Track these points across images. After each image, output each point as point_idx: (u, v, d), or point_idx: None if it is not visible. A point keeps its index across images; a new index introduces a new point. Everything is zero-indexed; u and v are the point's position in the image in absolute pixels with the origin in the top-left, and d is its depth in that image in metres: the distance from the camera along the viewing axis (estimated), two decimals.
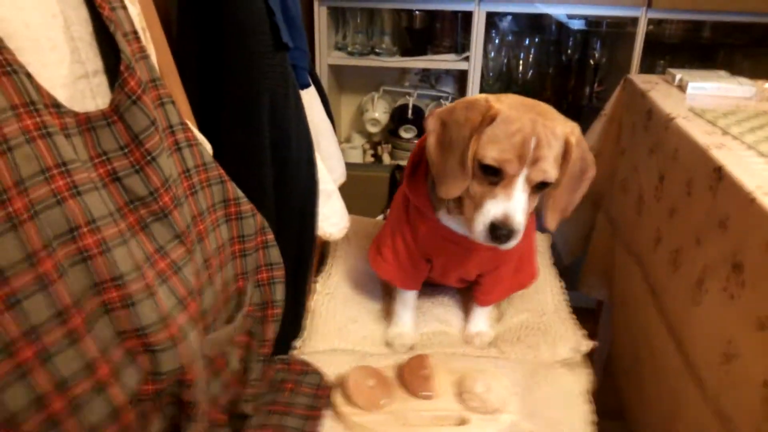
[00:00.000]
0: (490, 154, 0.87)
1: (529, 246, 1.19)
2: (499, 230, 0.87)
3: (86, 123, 0.65)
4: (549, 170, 0.88)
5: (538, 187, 0.91)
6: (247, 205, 0.89)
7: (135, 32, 0.72)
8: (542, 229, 1.58)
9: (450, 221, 1.04)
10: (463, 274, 1.14)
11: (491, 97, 0.91)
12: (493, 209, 0.88)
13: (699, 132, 1.10)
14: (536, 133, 0.86)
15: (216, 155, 0.88)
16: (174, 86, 0.87)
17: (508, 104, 0.90)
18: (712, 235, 0.95)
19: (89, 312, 0.61)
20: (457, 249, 1.05)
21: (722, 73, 1.52)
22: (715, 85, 1.39)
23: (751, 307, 0.80)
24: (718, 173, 0.95)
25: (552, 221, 0.97)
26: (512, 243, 0.89)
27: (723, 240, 0.91)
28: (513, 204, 0.88)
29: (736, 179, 0.90)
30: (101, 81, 0.69)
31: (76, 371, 0.59)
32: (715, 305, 0.90)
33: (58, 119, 0.61)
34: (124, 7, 0.71)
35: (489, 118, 0.88)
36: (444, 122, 0.94)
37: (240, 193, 0.88)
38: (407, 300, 1.17)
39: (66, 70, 0.64)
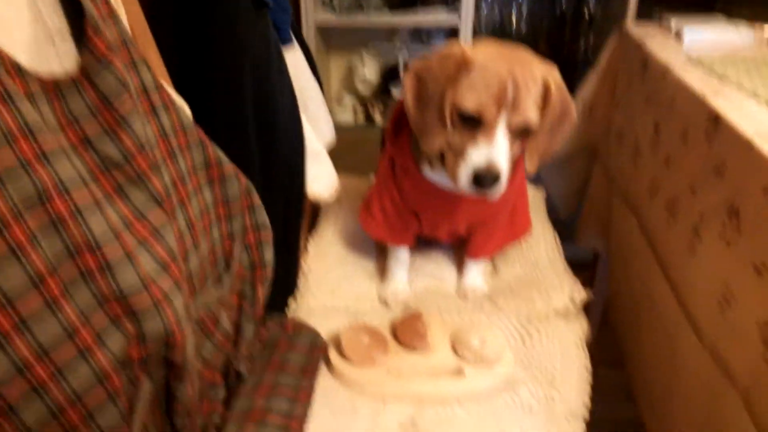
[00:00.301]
0: (468, 102, 0.86)
1: (522, 197, 1.17)
2: (483, 178, 0.87)
3: (54, 89, 0.63)
4: (529, 114, 0.87)
5: (520, 133, 0.89)
6: (230, 168, 0.87)
7: None
8: (536, 181, 1.57)
9: (434, 175, 1.03)
10: (452, 228, 1.12)
11: (466, 47, 0.89)
12: (475, 157, 0.87)
13: (696, 80, 1.08)
14: (514, 77, 0.85)
15: (196, 119, 0.86)
16: (148, 48, 0.84)
17: (483, 52, 0.88)
18: (708, 183, 0.94)
19: (66, 278, 0.60)
20: (443, 202, 1.04)
21: (720, 18, 1.48)
22: (712, 32, 1.36)
23: (747, 253, 0.80)
24: (715, 120, 0.94)
25: (531, 164, 0.96)
26: (497, 190, 0.88)
27: (719, 187, 0.90)
28: (495, 150, 0.87)
29: (733, 125, 0.88)
30: (68, 45, 0.66)
31: (56, 338, 0.58)
32: (712, 252, 0.90)
33: (21, 84, 0.58)
34: None
35: (464, 68, 0.87)
36: (420, 77, 0.92)
37: (222, 156, 0.86)
38: (400, 256, 1.16)
39: (28, 33, 0.62)
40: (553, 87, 0.89)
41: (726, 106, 0.94)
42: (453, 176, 0.91)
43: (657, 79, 1.21)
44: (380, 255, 1.24)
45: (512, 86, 0.85)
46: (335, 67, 2.27)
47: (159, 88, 0.78)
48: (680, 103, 1.09)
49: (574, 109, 0.95)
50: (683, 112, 1.07)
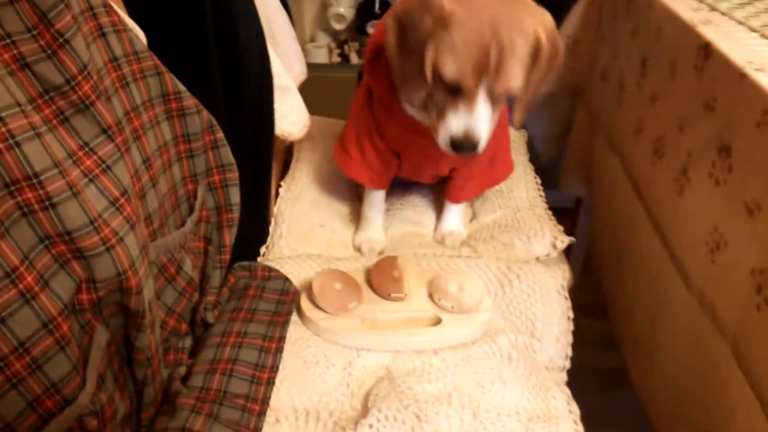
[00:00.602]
0: (447, 68, 0.81)
1: (504, 140, 1.12)
2: (460, 145, 0.85)
3: None
4: (513, 81, 0.82)
5: (503, 97, 0.85)
6: (190, 100, 0.81)
7: None
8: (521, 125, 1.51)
9: (416, 112, 0.97)
10: (435, 169, 1.07)
11: None
12: (454, 124, 0.84)
13: (685, 8, 1.03)
14: (498, 39, 0.78)
15: (152, 46, 0.79)
16: None
17: (465, 1, 0.80)
18: (696, 119, 0.90)
19: (3, 215, 0.54)
20: (426, 142, 0.98)
21: None
22: None
23: (738, 192, 0.76)
24: (705, 50, 0.89)
25: (517, 119, 0.93)
26: (475, 153, 0.87)
27: (709, 123, 0.86)
28: (474, 118, 0.83)
29: (725, 55, 0.84)
30: None
31: None
32: (700, 193, 0.86)
33: None
34: None
35: (443, 22, 0.80)
36: (401, 22, 0.85)
37: (181, 87, 0.80)
38: (375, 201, 1.10)
39: None
40: (544, 40, 0.82)
41: (717, 35, 0.90)
42: (434, 132, 0.88)
43: (644, 9, 1.15)
44: (356, 200, 1.19)
45: (496, 50, 0.78)
46: (309, 3, 2.17)
47: (108, 8, 0.70)
48: (668, 33, 1.04)
49: (562, 50, 0.89)
50: (671, 44, 1.02)
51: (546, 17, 0.85)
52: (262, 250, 1.08)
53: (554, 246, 1.02)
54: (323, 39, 2.10)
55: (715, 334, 0.79)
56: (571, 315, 0.92)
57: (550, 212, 1.13)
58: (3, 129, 0.53)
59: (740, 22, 0.97)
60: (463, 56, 0.79)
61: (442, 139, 0.86)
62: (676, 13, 1.01)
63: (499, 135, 1.07)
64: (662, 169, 0.99)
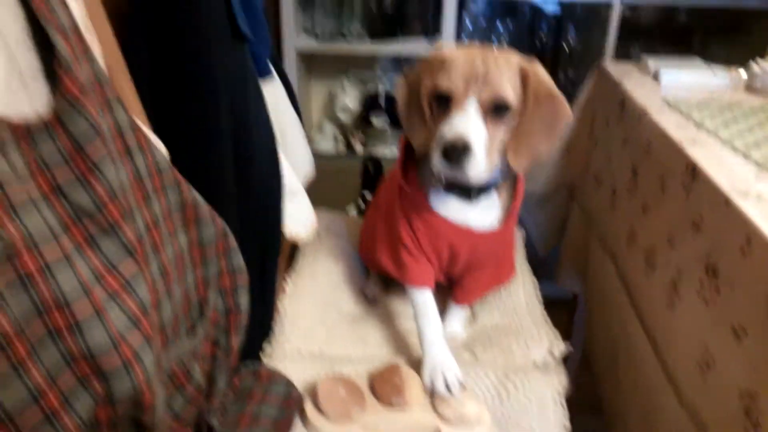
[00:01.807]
0: (439, 84, 0.90)
1: (510, 245, 1.17)
2: (452, 150, 0.87)
3: (25, 133, 0.60)
4: (500, 89, 0.89)
5: (497, 111, 0.90)
6: (205, 210, 0.85)
7: (77, 31, 0.67)
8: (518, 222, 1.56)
9: (441, 207, 1.03)
10: (451, 268, 1.11)
11: (446, 49, 0.94)
12: (445, 131, 0.89)
13: (672, 125, 1.09)
14: (484, 58, 0.89)
15: (172, 156, 0.84)
16: (124, 86, 0.82)
17: (461, 48, 0.94)
18: (685, 236, 0.93)
19: (32, 338, 0.57)
20: (450, 240, 1.04)
21: (697, 60, 1.50)
22: (689, 75, 1.38)
23: (726, 314, 0.79)
24: (692, 171, 0.94)
25: (517, 159, 0.94)
26: (470, 165, 0.88)
27: (697, 241, 0.89)
28: (463, 121, 0.88)
29: (710, 179, 0.88)
30: (40, 86, 0.64)
31: (21, 403, 0.55)
32: (691, 310, 0.89)
33: None
34: (65, 5, 0.66)
35: (440, 64, 0.91)
36: (409, 83, 0.99)
37: (198, 197, 0.84)
38: (429, 304, 1.05)
39: (0, 77, 0.59)
40: (531, 73, 0.91)
41: (703, 156, 0.95)
42: (434, 166, 0.92)
43: (634, 121, 1.21)
44: (358, 296, 1.22)
45: (482, 65, 0.88)
46: (316, 95, 2.26)
47: (134, 128, 0.75)
48: (657, 148, 1.09)
49: (566, 106, 0.95)
50: (660, 159, 1.07)
51: (535, 62, 0.94)
52: (266, 347, 1.10)
53: (551, 353, 1.04)
54: (330, 128, 2.18)
55: None
56: (568, 425, 0.94)
57: (546, 316, 1.15)
58: (38, 256, 0.57)
59: (725, 142, 1.02)
60: (454, 71, 0.89)
61: (436, 156, 0.89)
62: (663, 130, 1.07)
63: (506, 240, 1.12)
64: (654, 281, 1.02)
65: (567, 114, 0.95)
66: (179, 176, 0.82)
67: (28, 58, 0.63)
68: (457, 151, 0.86)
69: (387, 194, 1.14)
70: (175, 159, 0.83)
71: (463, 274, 1.12)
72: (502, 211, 1.04)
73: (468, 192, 1.00)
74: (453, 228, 1.03)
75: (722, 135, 1.05)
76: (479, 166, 0.89)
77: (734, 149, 1.00)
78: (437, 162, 0.90)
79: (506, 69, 0.90)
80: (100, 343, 0.61)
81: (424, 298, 1.05)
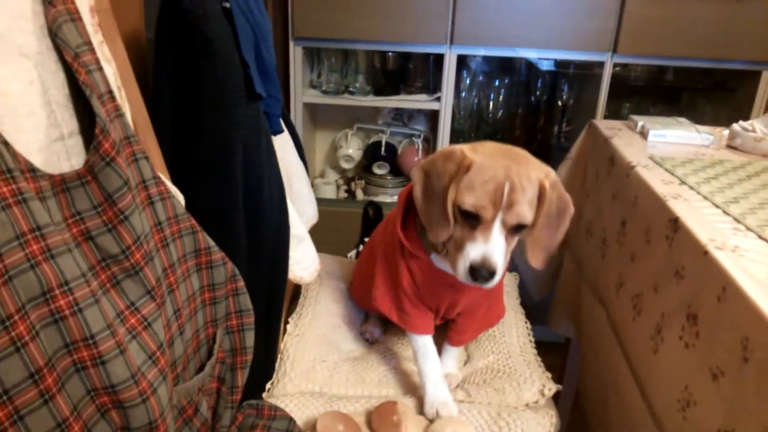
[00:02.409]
0: (467, 201, 0.93)
1: (499, 286, 1.22)
2: (479, 272, 0.93)
3: (61, 184, 0.67)
4: (523, 213, 0.93)
5: (516, 229, 0.96)
6: (218, 254, 0.91)
7: (110, 92, 0.74)
8: (512, 268, 1.62)
9: (442, 262, 1.08)
10: (448, 312, 1.17)
11: (467, 148, 0.97)
12: (472, 252, 0.93)
13: (657, 181, 1.15)
14: (510, 179, 0.92)
15: (189, 204, 0.90)
16: (148, 140, 0.89)
17: (482, 153, 0.96)
18: (669, 284, 0.98)
19: (61, 372, 0.62)
20: (448, 290, 1.10)
21: (683, 120, 1.57)
22: (675, 133, 1.45)
23: (705, 357, 0.84)
24: (675, 224, 0.99)
25: (535, 259, 1.01)
26: (493, 282, 0.94)
27: (679, 289, 0.94)
28: (490, 247, 0.93)
29: (690, 231, 0.93)
30: (76, 142, 0.71)
31: (47, 431, 0.60)
32: (673, 353, 0.93)
33: (33, 184, 0.62)
34: (100, 69, 0.73)
35: (465, 168, 0.94)
36: (426, 173, 1.00)
37: (211, 242, 0.90)
38: (429, 347, 1.13)
39: (42, 134, 0.66)
40: (548, 187, 0.96)
41: (685, 210, 1.00)
42: (453, 267, 0.98)
43: (622, 176, 1.27)
44: (357, 336, 1.27)
45: (508, 188, 0.92)
46: (320, 144, 2.35)
47: (156, 180, 0.82)
48: (643, 202, 1.15)
49: (570, 203, 1.02)
50: (646, 212, 1.12)
51: (550, 172, 0.99)
52: (268, 386, 1.14)
53: (542, 393, 1.09)
54: (332, 176, 2.26)
55: None
56: None
57: (539, 358, 1.20)
58: (70, 297, 0.63)
59: (705, 197, 1.08)
60: (481, 191, 0.92)
61: (462, 268, 0.95)
62: (649, 185, 1.13)
63: (499, 284, 1.18)
64: (640, 326, 1.07)
65: (571, 210, 1.02)
66: (195, 223, 0.89)
67: (68, 119, 0.70)
68: (484, 274, 0.93)
69: (385, 239, 1.20)
70: (192, 206, 0.90)
71: (458, 318, 1.18)
72: None
73: None
74: (453, 280, 1.07)
75: (703, 191, 1.11)
76: (498, 278, 0.95)
77: (714, 204, 1.05)
78: (461, 274, 0.95)
79: (529, 188, 0.94)
80: (121, 378, 0.66)
81: (425, 341, 1.13)
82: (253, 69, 1.02)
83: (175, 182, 0.92)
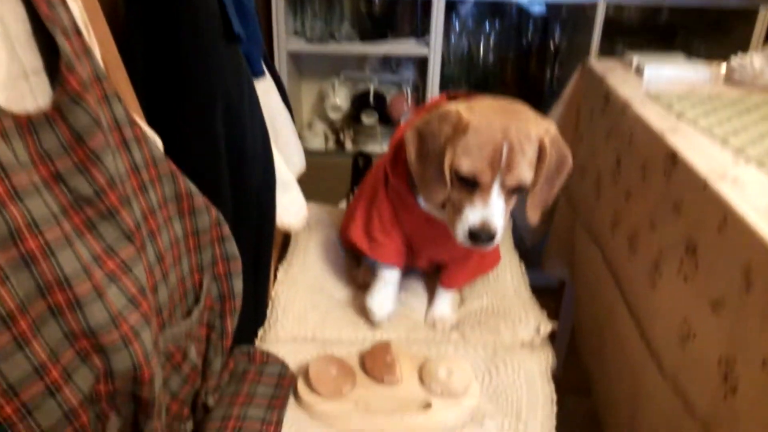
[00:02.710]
0: (464, 166, 0.90)
1: None
2: (478, 236, 0.91)
3: (27, 124, 0.63)
4: (523, 175, 0.91)
5: (515, 191, 0.93)
6: (200, 200, 0.88)
7: (76, 28, 0.70)
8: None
9: (431, 209, 1.06)
10: (435, 256, 1.15)
11: (462, 108, 0.93)
12: (471, 216, 0.91)
13: (654, 116, 1.12)
14: (508, 140, 0.89)
15: (167, 150, 0.86)
16: (120, 81, 0.85)
17: (479, 113, 0.92)
18: (666, 219, 0.97)
19: (36, 316, 0.59)
20: (434, 233, 1.07)
21: (679, 56, 1.54)
22: (670, 69, 1.41)
23: (704, 289, 0.83)
24: (673, 158, 0.97)
25: (533, 215, 0.99)
26: (492, 245, 0.93)
27: (677, 223, 0.93)
28: (489, 210, 0.90)
29: (689, 164, 0.91)
30: (42, 80, 0.67)
31: (24, 376, 0.58)
32: (671, 287, 0.93)
33: None
34: (64, 3, 0.69)
35: (461, 130, 0.90)
36: (421, 134, 0.96)
37: (193, 188, 0.87)
38: (392, 275, 1.15)
39: (3, 71, 0.62)
40: (548, 144, 0.92)
41: (683, 144, 0.98)
42: (452, 229, 0.95)
43: (617, 114, 1.25)
44: (349, 283, 1.25)
45: (507, 150, 0.89)
46: (306, 94, 2.29)
47: (131, 121, 0.78)
48: (639, 138, 1.12)
49: (569, 156, 0.98)
50: (642, 148, 1.10)
51: (550, 127, 0.95)
52: (260, 332, 1.13)
53: (538, 331, 1.08)
54: (320, 126, 2.21)
55: (688, 420, 0.84)
56: (555, 399, 0.97)
57: (534, 298, 1.19)
58: (40, 239, 0.60)
59: (704, 131, 1.06)
60: (479, 154, 0.89)
61: (461, 232, 0.93)
62: (645, 121, 1.10)
63: None
64: (637, 263, 1.06)
65: (569, 164, 0.99)
66: (174, 167, 0.85)
67: (30, 56, 0.66)
68: (483, 237, 0.91)
69: (373, 180, 1.18)
70: (171, 152, 0.86)
71: (449, 263, 1.16)
72: None
73: None
74: (440, 225, 1.05)
75: (702, 124, 1.08)
76: (498, 240, 0.93)
77: (713, 137, 1.03)
78: (460, 237, 0.93)
79: (528, 148, 0.91)
80: (100, 321, 0.64)
81: (392, 272, 1.14)
82: (231, 8, 0.97)
83: (151, 128, 0.88)
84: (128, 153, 0.77)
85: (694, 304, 0.85)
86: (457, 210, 0.93)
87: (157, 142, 0.86)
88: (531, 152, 0.91)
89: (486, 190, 0.90)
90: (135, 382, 0.69)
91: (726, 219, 0.79)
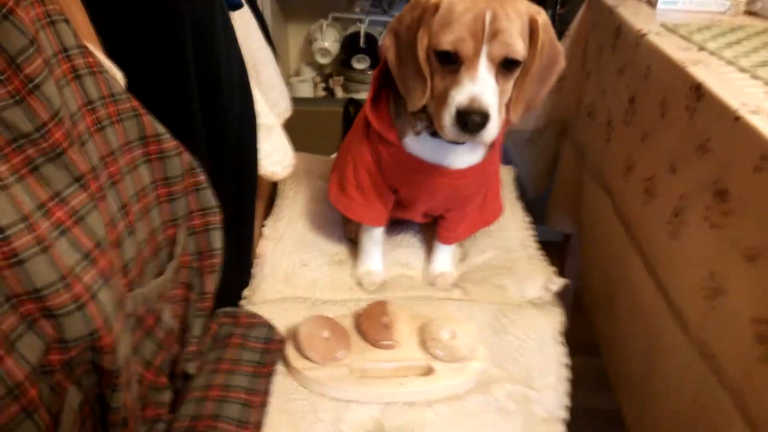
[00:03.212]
0: (442, 40, 0.78)
1: (495, 181, 1.10)
2: (468, 116, 0.78)
3: None
4: (513, 43, 0.79)
5: (507, 67, 0.81)
6: (170, 143, 0.77)
7: None
8: (506, 161, 1.50)
9: (416, 147, 0.94)
10: (429, 207, 1.05)
11: None
12: (458, 96, 0.78)
13: (673, 48, 1.02)
14: (491, 8, 0.77)
15: (131, 88, 0.76)
16: (71, 4, 0.73)
17: None
18: (690, 161, 0.88)
19: None
20: (424, 178, 0.96)
21: None
22: None
23: (737, 237, 0.74)
24: (697, 91, 0.88)
25: (515, 112, 0.87)
26: (488, 133, 0.80)
27: (703, 165, 0.84)
28: (479, 86, 0.78)
29: (717, 97, 0.82)
30: None
31: None
32: (696, 236, 0.84)
33: None
34: None
35: (432, 8, 0.80)
36: (396, 32, 0.86)
37: (161, 129, 0.76)
38: (375, 236, 1.07)
39: None
40: (540, 23, 0.81)
41: (708, 75, 0.89)
42: (440, 128, 0.83)
43: (630, 48, 1.15)
44: (343, 239, 1.16)
45: (490, 15, 0.77)
46: (293, 38, 2.16)
47: (83, 49, 0.67)
48: (657, 73, 1.03)
49: (562, 54, 0.88)
50: (661, 83, 1.01)
51: (541, 11, 0.84)
52: (245, 293, 1.04)
53: (547, 288, 0.99)
54: (308, 73, 2.10)
55: (715, 385, 0.76)
56: (567, 362, 0.89)
57: (541, 252, 1.10)
58: None
59: (730, 62, 0.96)
60: (458, 25, 0.78)
61: (447, 120, 0.80)
62: (664, 52, 1.00)
63: (490, 175, 1.05)
64: (654, 210, 0.98)
65: (562, 63, 0.88)
66: (138, 105, 0.75)
67: None
68: (475, 119, 0.78)
69: (352, 133, 1.08)
70: (135, 89, 0.76)
71: (446, 214, 1.06)
72: (485, 148, 0.97)
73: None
74: (429, 167, 0.95)
75: (726, 55, 0.99)
76: (493, 129, 0.80)
77: (740, 69, 0.93)
78: (449, 129, 0.80)
79: (516, 19, 0.79)
80: (47, 280, 0.55)
81: (376, 232, 1.07)
82: None
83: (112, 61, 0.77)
84: (80, 85, 0.66)
85: (723, 255, 0.77)
86: (442, 100, 0.81)
87: (117, 75, 0.75)
88: (520, 24, 0.80)
89: (472, 65, 0.78)
90: (94, 350, 0.59)
91: (764, 157, 0.70)
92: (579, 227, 1.44)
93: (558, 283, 1.00)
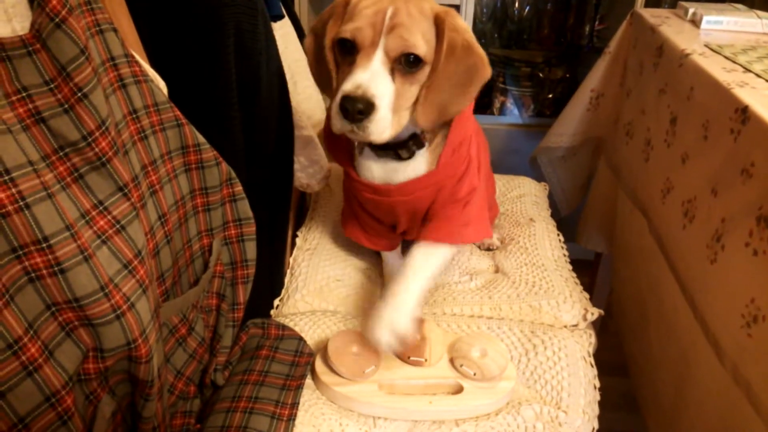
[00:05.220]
0: (344, 30, 0.78)
1: (459, 193, 0.98)
2: (349, 103, 0.75)
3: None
4: (409, 38, 0.77)
5: (408, 65, 0.79)
6: (209, 153, 0.78)
7: None
8: (539, 178, 1.48)
9: (367, 173, 0.94)
10: (408, 226, 1.02)
11: None
12: (347, 83, 0.77)
13: (718, 69, 1.00)
14: (395, 4, 0.78)
15: (173, 96, 0.76)
16: (118, 13, 0.74)
17: None
18: (732, 185, 0.85)
19: (8, 282, 0.50)
20: (381, 199, 0.95)
21: (739, 6, 1.40)
22: (732, 19, 1.28)
23: None
24: (743, 114, 0.85)
25: (424, 115, 0.83)
26: (371, 124, 0.77)
27: (746, 190, 0.82)
28: (368, 73, 0.77)
29: (764, 120, 0.80)
30: (18, 1, 0.56)
31: None
32: (736, 262, 0.82)
33: None
34: None
35: (343, 4, 0.82)
36: (315, 33, 0.86)
37: (201, 139, 0.77)
38: (390, 262, 1.07)
39: None
40: (447, 23, 0.80)
41: (755, 98, 0.86)
42: (332, 120, 0.81)
43: (673, 68, 1.12)
44: (375, 253, 1.14)
45: (391, 11, 0.77)
46: None
47: (129, 58, 0.68)
48: (701, 94, 1.01)
49: (486, 62, 0.84)
50: (704, 105, 0.99)
51: (451, 11, 0.82)
52: (276, 302, 1.04)
53: (585, 318, 0.97)
54: None
55: (750, 414, 0.74)
56: (598, 384, 0.87)
57: (575, 276, 1.08)
58: (13, 190, 0.50)
59: None
60: (360, 17, 0.78)
61: (334, 107, 0.78)
62: (709, 73, 0.98)
63: (443, 186, 0.96)
64: (693, 234, 0.95)
65: (485, 71, 0.83)
66: (180, 115, 0.75)
67: None
68: (356, 106, 0.75)
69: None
70: (178, 102, 0.76)
71: (420, 230, 0.99)
72: (429, 160, 0.93)
73: (397, 153, 0.90)
74: (380, 189, 0.94)
75: None
76: (381, 124, 0.78)
77: None
78: (334, 118, 0.79)
79: (419, 17, 0.79)
80: (87, 290, 0.55)
81: (387, 255, 1.08)
82: None
83: (154, 69, 0.78)
84: (125, 94, 0.67)
85: (764, 282, 0.74)
86: (337, 90, 0.79)
87: (161, 84, 0.75)
88: (423, 23, 0.79)
89: (367, 55, 0.77)
90: (130, 360, 0.60)
91: None
92: (612, 247, 1.41)
93: (594, 313, 0.98)
